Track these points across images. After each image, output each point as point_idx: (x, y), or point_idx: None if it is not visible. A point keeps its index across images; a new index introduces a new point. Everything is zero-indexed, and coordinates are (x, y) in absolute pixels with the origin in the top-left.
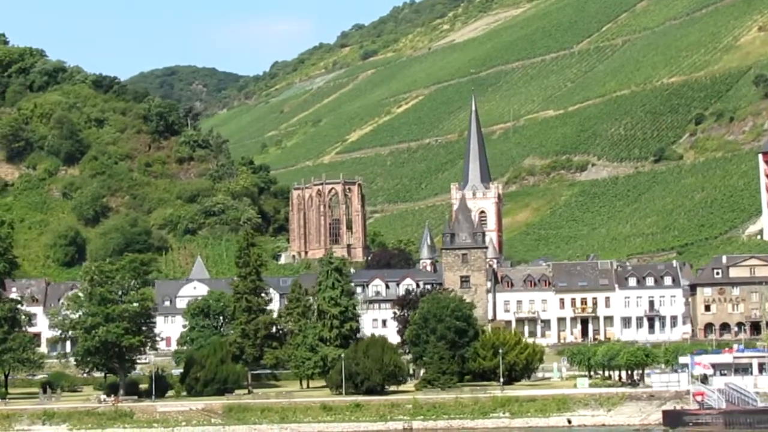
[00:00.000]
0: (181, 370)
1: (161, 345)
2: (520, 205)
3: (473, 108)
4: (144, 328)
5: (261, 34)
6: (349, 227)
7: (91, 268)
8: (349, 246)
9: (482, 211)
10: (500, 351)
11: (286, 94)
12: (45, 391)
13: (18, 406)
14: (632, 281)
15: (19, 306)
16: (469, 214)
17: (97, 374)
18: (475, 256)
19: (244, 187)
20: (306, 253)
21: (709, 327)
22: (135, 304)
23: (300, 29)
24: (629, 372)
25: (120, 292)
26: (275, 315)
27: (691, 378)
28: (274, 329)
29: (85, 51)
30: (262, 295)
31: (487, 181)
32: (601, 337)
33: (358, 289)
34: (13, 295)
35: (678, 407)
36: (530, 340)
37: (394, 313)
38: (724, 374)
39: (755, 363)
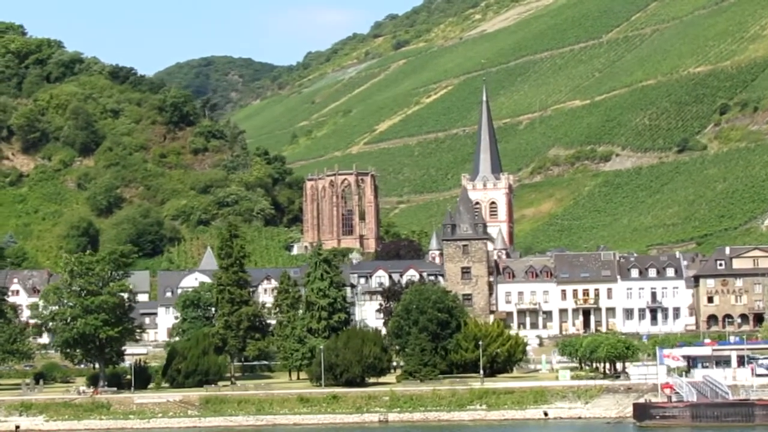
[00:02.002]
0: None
1: (161, 335)
2: (544, 196)
3: (484, 99)
4: (123, 319)
5: (297, 25)
6: (363, 218)
7: (71, 259)
8: (361, 237)
9: (492, 202)
10: (480, 343)
11: (318, 84)
12: (38, 383)
13: None
14: (634, 272)
15: (5, 297)
16: (471, 205)
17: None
18: (475, 247)
19: (258, 177)
20: (320, 243)
21: (712, 318)
22: (113, 296)
23: (335, 19)
24: (612, 364)
25: (100, 284)
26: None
27: (671, 371)
28: (257, 321)
29: (114, 42)
30: (245, 286)
31: (497, 172)
32: (603, 328)
33: (362, 280)
34: (15, 287)
35: (648, 400)
36: (532, 332)
37: (380, 304)
38: (706, 366)
39: (734, 355)
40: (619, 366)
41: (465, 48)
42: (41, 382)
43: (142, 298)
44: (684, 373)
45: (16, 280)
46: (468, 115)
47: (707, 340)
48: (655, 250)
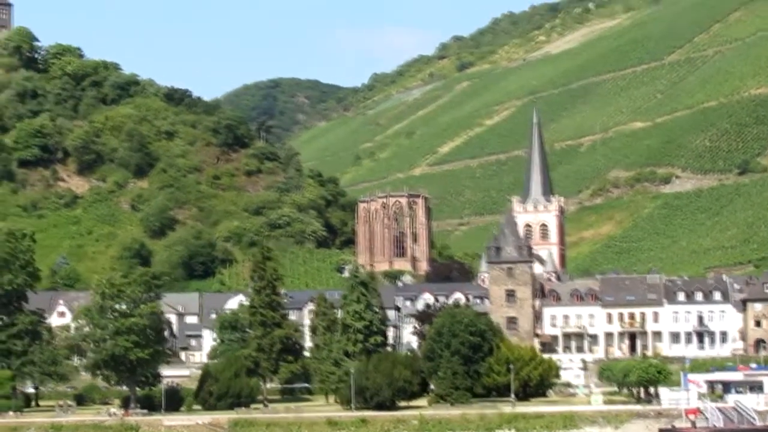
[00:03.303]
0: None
1: (205, 357)
2: (603, 218)
3: (535, 121)
4: (155, 341)
5: (364, 46)
6: (415, 240)
7: (102, 281)
8: (414, 259)
9: (543, 225)
10: (511, 366)
11: (383, 106)
12: (77, 404)
13: (29, 419)
14: (681, 296)
15: (41, 319)
16: (516, 227)
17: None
18: (520, 269)
19: (311, 199)
20: (372, 265)
21: (760, 343)
22: (144, 318)
23: (401, 41)
24: (645, 388)
25: (131, 306)
26: None
27: (702, 396)
28: (290, 343)
29: (174, 64)
30: (278, 308)
31: (548, 195)
32: (650, 352)
33: (407, 303)
34: (61, 308)
35: (672, 426)
36: (577, 355)
37: (414, 327)
38: (739, 392)
39: (766, 381)
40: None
41: (528, 70)
42: (74, 404)
43: (191, 320)
44: (719, 398)
45: (62, 302)
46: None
47: (741, 365)
48: (712, 272)
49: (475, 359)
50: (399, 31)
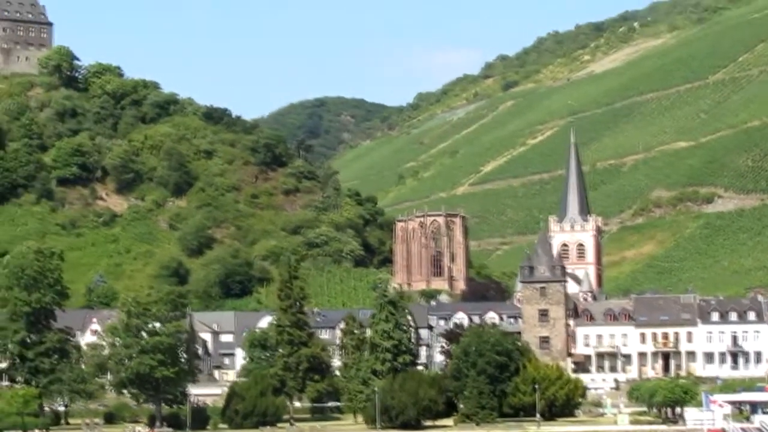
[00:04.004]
0: None
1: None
2: (645, 238)
3: (572, 141)
4: (181, 360)
5: (409, 65)
6: (452, 259)
7: (128, 299)
8: (451, 278)
9: (580, 244)
10: (537, 386)
11: (427, 125)
12: (106, 422)
13: None
14: (715, 316)
15: (69, 337)
16: (549, 247)
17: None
18: (553, 289)
19: (348, 218)
20: (409, 284)
21: None
22: (169, 336)
23: (446, 60)
24: (672, 409)
25: (156, 324)
26: None
27: (727, 416)
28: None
29: (226, 85)
30: (304, 327)
31: (585, 214)
32: (683, 372)
33: (441, 322)
34: (94, 326)
35: None
36: (610, 375)
37: (441, 347)
38: (766, 412)
39: None
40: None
41: (572, 89)
42: (102, 422)
43: (226, 338)
44: (745, 419)
45: (95, 320)
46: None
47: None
48: (753, 293)
49: (501, 379)
50: (444, 51)
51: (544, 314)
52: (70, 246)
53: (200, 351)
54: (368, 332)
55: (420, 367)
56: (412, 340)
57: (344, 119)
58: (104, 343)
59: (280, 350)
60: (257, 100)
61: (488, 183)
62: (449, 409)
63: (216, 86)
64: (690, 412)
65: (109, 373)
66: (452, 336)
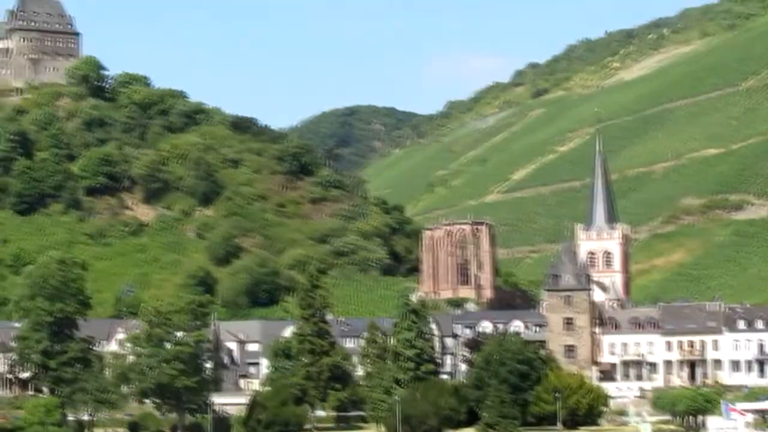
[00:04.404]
0: None
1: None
2: (675, 245)
3: (597, 149)
4: (203, 369)
5: (440, 73)
6: (479, 267)
7: (149, 308)
8: (478, 286)
9: (607, 252)
10: (559, 395)
11: (457, 133)
12: None
13: None
14: (741, 324)
15: (91, 347)
16: (574, 255)
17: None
18: (579, 297)
19: (375, 227)
20: (436, 293)
21: None
22: (190, 346)
23: (477, 68)
24: (695, 417)
25: (177, 334)
26: None
27: (749, 424)
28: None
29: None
30: (326, 336)
31: (612, 222)
32: (710, 380)
33: (466, 331)
34: (120, 336)
35: None
36: (635, 383)
37: (463, 356)
38: None
39: None
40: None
41: (603, 96)
42: None
43: (253, 347)
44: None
45: (120, 329)
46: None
47: None
48: None
49: (523, 387)
50: (475, 58)
51: (569, 322)
52: (98, 256)
53: (226, 360)
54: (391, 341)
55: (445, 376)
56: (436, 349)
57: (375, 128)
58: (126, 353)
59: (302, 359)
60: (288, 108)
61: (518, 191)
62: (471, 419)
63: (244, 95)
64: (712, 421)
65: (131, 383)
66: (474, 345)
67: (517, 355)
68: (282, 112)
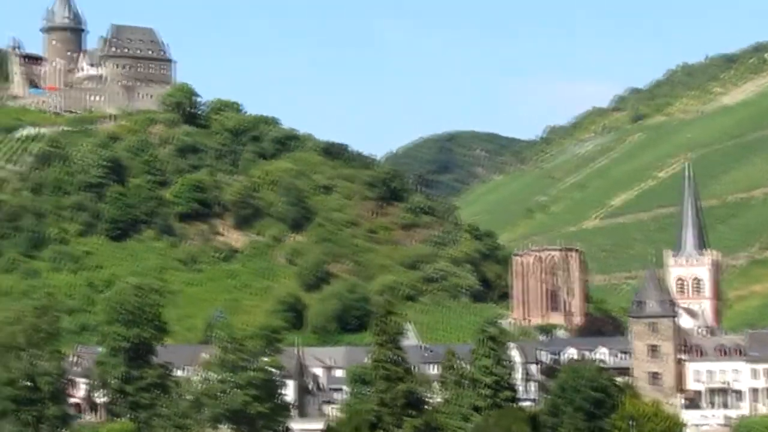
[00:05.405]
0: None
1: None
2: None
3: (686, 174)
4: (277, 395)
5: (540, 99)
6: (570, 294)
7: (223, 335)
8: (568, 313)
9: (696, 279)
10: (634, 422)
11: (558, 159)
12: None
13: None
14: None
15: (168, 372)
16: (659, 282)
17: None
18: (664, 324)
19: (466, 253)
20: (527, 319)
21: None
22: (264, 372)
23: (576, 93)
24: None
25: (251, 360)
26: None
27: None
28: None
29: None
30: (400, 362)
31: (702, 248)
32: None
33: (552, 357)
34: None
35: None
36: (720, 411)
37: (538, 383)
38: None
39: None
40: None
41: (703, 122)
42: None
43: (339, 373)
44: None
45: (204, 355)
46: (704, 190)
47: None
48: None
49: (598, 415)
50: (575, 83)
51: (654, 349)
52: (189, 281)
53: (311, 386)
54: (469, 368)
55: (528, 403)
56: (516, 376)
57: (477, 153)
58: (200, 378)
59: (376, 386)
60: (384, 134)
61: (617, 217)
62: None
63: (339, 122)
64: None
65: (204, 409)
66: (550, 372)
67: (592, 382)
68: (379, 138)
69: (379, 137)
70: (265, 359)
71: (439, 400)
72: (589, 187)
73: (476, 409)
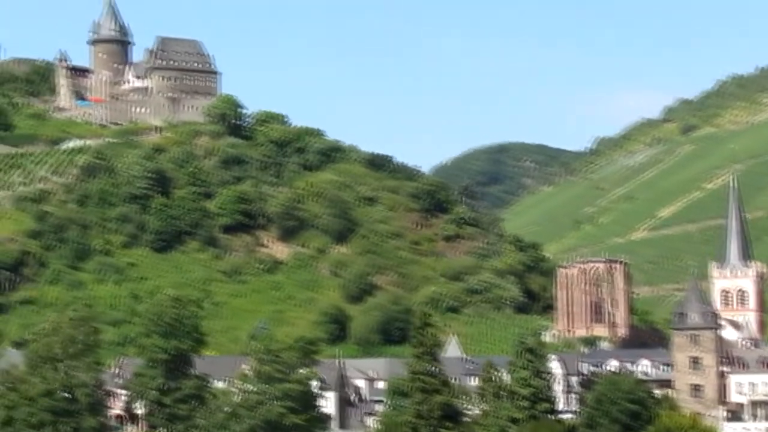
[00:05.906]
0: None
1: None
2: None
3: (732, 186)
4: (313, 407)
5: (590, 110)
6: (614, 305)
7: (258, 346)
8: (613, 324)
9: (741, 291)
10: None
11: (607, 170)
12: None
13: None
14: None
15: (206, 384)
16: (701, 293)
17: None
18: (705, 336)
19: (510, 265)
20: (571, 331)
21: None
22: (300, 384)
23: (626, 104)
24: None
25: (287, 371)
26: None
27: None
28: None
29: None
30: (437, 374)
31: (747, 260)
32: None
33: (593, 369)
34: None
35: None
36: (763, 424)
37: (577, 395)
38: None
39: None
40: None
41: (753, 133)
42: None
43: (381, 385)
44: None
45: (243, 366)
46: (752, 201)
47: None
48: None
49: (634, 427)
50: (624, 94)
51: (695, 361)
52: (233, 293)
53: (353, 397)
54: (507, 380)
55: (569, 415)
56: (556, 388)
57: (526, 165)
58: (236, 390)
59: (412, 398)
60: (436, 146)
61: (665, 228)
62: None
63: (385, 133)
64: None
65: (240, 420)
66: (587, 384)
67: (629, 394)
68: (428, 149)
69: (428, 149)
70: (303, 371)
71: (477, 412)
72: (638, 198)
73: (514, 421)
